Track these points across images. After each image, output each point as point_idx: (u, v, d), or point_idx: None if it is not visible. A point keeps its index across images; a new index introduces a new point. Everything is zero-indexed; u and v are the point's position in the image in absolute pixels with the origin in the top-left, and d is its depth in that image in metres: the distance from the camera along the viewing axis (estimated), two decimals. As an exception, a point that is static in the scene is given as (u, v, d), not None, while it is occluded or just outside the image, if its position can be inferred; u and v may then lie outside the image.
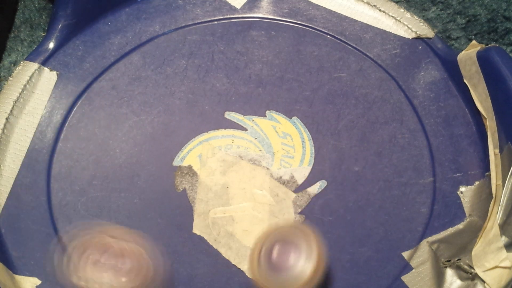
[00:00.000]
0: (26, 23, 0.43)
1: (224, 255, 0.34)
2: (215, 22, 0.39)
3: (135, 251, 0.26)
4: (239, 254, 0.34)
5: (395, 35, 0.39)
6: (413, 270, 0.34)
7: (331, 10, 0.40)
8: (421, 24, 0.39)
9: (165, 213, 0.34)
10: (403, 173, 0.36)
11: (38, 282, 0.32)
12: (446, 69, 0.38)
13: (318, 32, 0.39)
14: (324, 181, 0.36)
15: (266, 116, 0.37)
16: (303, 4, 0.40)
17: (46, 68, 0.36)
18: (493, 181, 0.34)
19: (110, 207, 0.34)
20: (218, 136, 0.37)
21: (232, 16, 0.40)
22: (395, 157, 0.37)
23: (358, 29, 0.39)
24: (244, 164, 0.36)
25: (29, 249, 0.33)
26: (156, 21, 0.39)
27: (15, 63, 0.41)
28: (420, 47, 0.39)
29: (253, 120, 0.37)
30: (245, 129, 0.37)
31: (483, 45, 0.36)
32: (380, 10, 0.40)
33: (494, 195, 0.33)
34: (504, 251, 0.31)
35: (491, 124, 0.35)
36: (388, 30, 0.39)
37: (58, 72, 0.37)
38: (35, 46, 0.38)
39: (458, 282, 0.33)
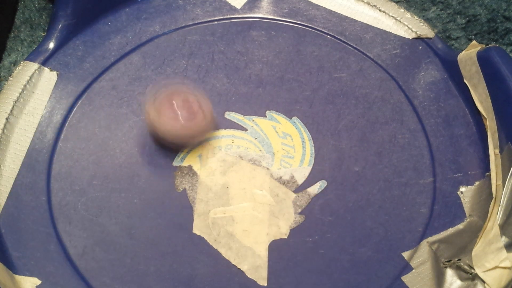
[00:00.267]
0: (26, 23, 0.43)
1: (224, 255, 0.34)
2: (215, 22, 0.39)
3: (198, 99, 0.33)
4: (239, 254, 0.34)
5: (395, 35, 0.39)
6: (413, 270, 0.34)
7: (331, 10, 0.40)
8: (421, 24, 0.39)
9: (165, 213, 0.34)
10: (403, 173, 0.36)
11: (38, 282, 0.32)
12: (446, 69, 0.38)
13: (318, 32, 0.39)
14: (324, 181, 0.36)
15: (266, 116, 0.37)
16: (303, 4, 0.40)
17: (46, 68, 0.36)
18: (493, 181, 0.34)
19: (110, 207, 0.34)
20: (218, 136, 0.37)
21: (232, 16, 0.40)
22: (395, 157, 0.36)
23: (358, 29, 0.39)
24: (244, 164, 0.36)
25: (29, 249, 0.33)
26: (156, 21, 0.39)
27: (15, 63, 0.41)
28: (420, 47, 0.39)
29: (253, 120, 0.37)
30: (245, 129, 0.37)
31: (483, 45, 0.36)
32: (380, 10, 0.40)
33: (494, 195, 0.33)
34: (504, 251, 0.31)
35: (491, 124, 0.35)
36: (388, 30, 0.39)
37: (58, 72, 0.37)
38: (35, 46, 0.38)
39: (458, 282, 0.33)
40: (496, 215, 0.32)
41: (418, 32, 0.39)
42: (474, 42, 0.37)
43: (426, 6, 0.43)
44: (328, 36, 0.39)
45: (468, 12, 0.43)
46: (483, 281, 0.31)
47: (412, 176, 0.36)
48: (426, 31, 0.39)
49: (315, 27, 0.39)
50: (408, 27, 0.39)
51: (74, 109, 0.36)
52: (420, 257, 0.34)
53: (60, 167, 0.35)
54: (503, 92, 0.34)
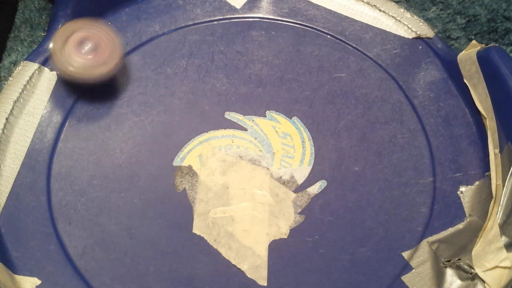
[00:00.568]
0: (26, 23, 0.43)
1: (224, 255, 0.34)
2: (215, 22, 0.39)
3: (102, 36, 0.34)
4: (239, 254, 0.34)
5: (395, 35, 0.39)
6: (413, 270, 0.34)
7: (331, 10, 0.40)
8: (421, 24, 0.39)
9: (165, 213, 0.34)
10: (403, 173, 0.36)
11: (38, 282, 0.32)
12: (446, 69, 0.38)
13: (318, 32, 0.39)
14: (324, 181, 0.36)
15: (266, 116, 0.37)
16: (303, 4, 0.40)
17: (46, 68, 0.36)
18: (493, 181, 0.34)
19: (110, 207, 0.34)
20: (218, 136, 0.37)
21: (232, 16, 0.40)
22: (395, 157, 0.36)
23: (358, 29, 0.39)
24: (244, 164, 0.36)
25: (29, 249, 0.33)
26: (156, 21, 0.39)
27: (15, 63, 0.41)
28: (420, 47, 0.39)
29: (253, 120, 0.37)
30: (245, 129, 0.37)
31: (483, 45, 0.36)
32: (380, 10, 0.40)
33: (494, 195, 0.33)
34: (504, 251, 0.31)
35: (491, 124, 0.35)
36: (388, 30, 0.39)
37: (58, 72, 0.37)
38: (35, 46, 0.38)
39: (458, 282, 0.33)
40: (496, 215, 0.32)
41: (418, 32, 0.39)
42: (474, 42, 0.37)
43: (426, 6, 0.44)
44: (328, 36, 0.39)
45: (468, 12, 0.43)
46: (483, 281, 0.31)
47: (412, 176, 0.36)
48: (426, 31, 0.39)
49: (315, 27, 0.39)
50: (408, 27, 0.39)
51: (74, 109, 0.36)
52: (420, 257, 0.34)
53: (60, 167, 0.35)
54: (503, 92, 0.34)
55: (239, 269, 0.34)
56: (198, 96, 0.37)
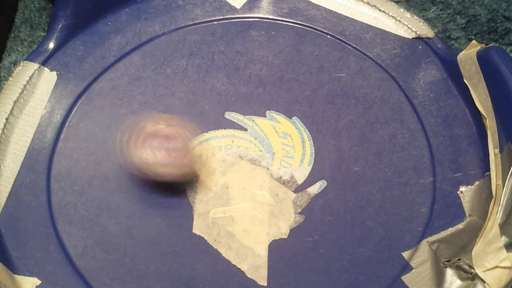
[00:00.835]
0: (26, 23, 0.43)
1: (224, 255, 0.34)
2: (215, 22, 0.39)
3: (180, 132, 0.32)
4: (239, 254, 0.34)
5: (395, 35, 0.39)
6: (413, 270, 0.34)
7: (331, 10, 0.40)
8: (421, 24, 0.39)
9: (165, 213, 0.34)
10: (403, 173, 0.36)
11: (38, 282, 0.32)
12: (446, 69, 0.38)
13: (318, 32, 0.39)
14: (324, 181, 0.36)
15: (266, 116, 0.37)
16: (303, 4, 0.40)
17: (46, 68, 0.36)
18: (493, 181, 0.34)
19: (110, 207, 0.34)
20: (218, 136, 0.37)
21: (232, 16, 0.40)
22: (395, 157, 0.36)
23: (358, 29, 0.39)
24: (244, 164, 0.36)
25: (29, 249, 0.33)
26: (156, 21, 0.39)
27: (15, 63, 0.41)
28: (420, 47, 0.39)
29: (253, 120, 0.37)
30: (245, 129, 0.37)
31: (483, 45, 0.36)
32: (380, 10, 0.40)
33: (494, 195, 0.33)
34: (504, 251, 0.31)
35: (491, 124, 0.35)
36: (388, 30, 0.39)
37: (58, 72, 0.37)
38: (35, 46, 0.38)
39: (458, 282, 0.33)
40: (496, 215, 0.32)
41: (418, 32, 0.39)
42: (474, 42, 0.37)
43: (426, 6, 0.43)
44: (328, 36, 0.39)
45: (468, 12, 0.43)
46: (483, 281, 0.31)
47: (412, 176, 0.36)
48: (426, 31, 0.39)
49: (315, 27, 0.39)
50: (408, 27, 0.39)
51: (74, 109, 0.36)
52: (420, 257, 0.34)
53: (60, 167, 0.35)
54: (503, 92, 0.34)
55: (239, 269, 0.34)
56: (198, 96, 0.37)
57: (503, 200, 0.32)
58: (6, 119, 0.35)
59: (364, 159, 0.36)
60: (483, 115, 0.36)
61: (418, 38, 0.39)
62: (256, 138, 0.37)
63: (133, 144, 0.32)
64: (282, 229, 0.35)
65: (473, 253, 0.32)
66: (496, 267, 0.31)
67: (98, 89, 0.37)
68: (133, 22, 0.39)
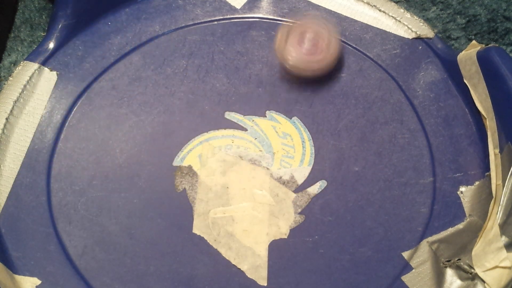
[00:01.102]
0: (26, 23, 0.43)
1: (224, 255, 0.34)
2: (215, 22, 0.39)
3: (323, 31, 0.36)
4: (239, 254, 0.34)
5: (395, 35, 0.39)
6: (413, 270, 0.34)
7: (331, 10, 0.40)
8: (421, 24, 0.39)
9: (165, 213, 0.34)
10: (403, 173, 0.36)
11: (38, 282, 0.32)
12: (446, 69, 0.38)
13: (318, 32, 0.39)
14: (324, 181, 0.36)
15: (266, 116, 0.37)
16: (303, 4, 0.40)
17: (46, 68, 0.37)
18: (493, 181, 0.34)
19: (110, 207, 0.34)
20: (218, 136, 0.37)
21: (232, 16, 0.40)
22: (395, 157, 0.36)
23: (358, 29, 0.39)
24: (244, 164, 0.36)
25: (29, 249, 0.33)
26: (156, 21, 0.39)
27: (15, 63, 0.41)
28: (420, 47, 0.39)
29: (253, 120, 0.37)
30: (245, 129, 0.37)
31: (483, 45, 0.36)
32: (380, 10, 0.40)
33: (494, 195, 0.33)
34: (504, 251, 0.31)
35: (491, 124, 0.35)
36: (388, 30, 0.39)
37: (58, 72, 0.37)
38: (35, 46, 0.38)
39: (458, 282, 0.33)
40: (496, 215, 0.32)
41: (418, 32, 0.39)
42: (474, 42, 0.37)
43: (426, 6, 0.43)
44: (328, 36, 0.39)
45: (468, 12, 0.43)
46: (483, 281, 0.31)
47: (412, 176, 0.36)
48: (426, 31, 0.39)
49: (315, 27, 0.39)
50: (408, 27, 0.39)
51: (74, 109, 0.36)
52: (420, 257, 0.34)
53: (60, 167, 0.35)
54: (503, 92, 0.34)
55: (239, 269, 0.34)
56: (198, 96, 0.37)
57: (503, 200, 0.32)
58: (6, 119, 0.35)
59: (364, 159, 0.36)
60: (483, 115, 0.36)
61: (418, 38, 0.39)
62: (256, 138, 0.37)
63: (287, 49, 0.36)
64: (282, 229, 0.35)
65: (473, 253, 0.32)
66: (496, 267, 0.31)
67: (98, 89, 0.37)
68: (133, 22, 0.39)
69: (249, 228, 0.34)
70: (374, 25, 0.39)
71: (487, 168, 0.35)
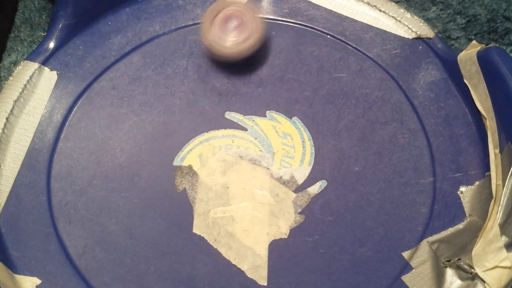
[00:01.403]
0: (26, 23, 0.43)
1: (224, 255, 0.34)
2: (215, 22, 0.39)
3: (245, 13, 0.36)
4: (239, 254, 0.34)
5: (395, 35, 0.39)
6: (413, 270, 0.34)
7: (331, 10, 0.40)
8: (421, 24, 0.39)
9: (165, 213, 0.34)
10: (403, 173, 0.36)
11: (38, 281, 0.32)
12: (446, 69, 0.38)
13: (318, 32, 0.39)
14: (324, 181, 0.36)
15: (266, 116, 0.37)
16: (303, 4, 0.40)
17: (46, 68, 0.37)
18: (493, 181, 0.34)
19: (110, 207, 0.34)
20: (218, 136, 0.37)
21: (232, 16, 0.39)
22: (395, 157, 0.37)
23: (358, 29, 0.39)
24: (244, 164, 0.36)
25: (29, 249, 0.33)
26: (156, 21, 0.39)
27: (15, 63, 0.41)
28: (420, 47, 0.39)
29: (253, 120, 0.37)
30: (245, 129, 0.37)
31: (483, 45, 0.36)
32: (380, 10, 0.40)
33: (494, 195, 0.33)
34: (504, 251, 0.31)
35: (491, 124, 0.35)
36: (388, 30, 0.39)
37: (58, 72, 0.37)
38: (35, 46, 0.38)
39: (458, 282, 0.33)
40: (496, 215, 0.32)
41: (418, 32, 0.39)
42: (474, 42, 0.37)
43: (426, 6, 0.44)
44: (328, 36, 0.39)
45: (468, 12, 0.43)
46: (483, 281, 0.31)
47: (412, 176, 0.36)
48: (426, 31, 0.39)
49: (315, 27, 0.39)
50: (408, 27, 0.39)
51: (74, 109, 0.36)
52: (420, 257, 0.34)
53: (60, 166, 0.35)
54: (503, 92, 0.34)
55: (239, 269, 0.34)
56: (198, 96, 0.37)
57: (503, 200, 0.32)
58: (7, 118, 0.35)
59: (364, 159, 0.36)
60: (483, 115, 0.36)
61: (418, 38, 0.39)
62: (256, 138, 0.37)
63: (213, 34, 0.36)
64: (282, 229, 0.35)
65: (473, 253, 0.32)
66: (496, 267, 0.31)
67: (98, 88, 0.37)
68: (134, 22, 0.39)
69: (249, 228, 0.34)
70: (374, 25, 0.39)
71: (487, 168, 0.35)
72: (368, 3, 0.40)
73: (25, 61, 0.36)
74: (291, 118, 0.37)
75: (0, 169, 0.34)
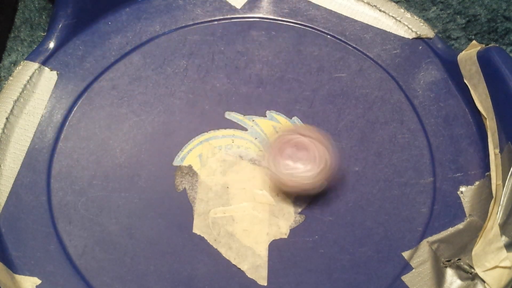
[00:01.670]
0: (26, 23, 0.43)
1: (224, 255, 0.34)
2: (216, 22, 0.39)
3: (318, 145, 0.33)
4: (239, 254, 0.34)
5: (395, 35, 0.39)
6: (413, 270, 0.34)
7: (331, 10, 0.40)
8: (421, 24, 0.39)
9: (165, 213, 0.34)
10: (403, 173, 0.36)
11: (38, 281, 0.32)
12: (446, 69, 0.38)
13: (319, 32, 0.39)
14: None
15: (266, 116, 0.37)
16: (303, 4, 0.40)
17: (46, 68, 0.37)
18: (493, 181, 0.34)
19: (110, 207, 0.34)
20: (219, 136, 0.37)
21: (232, 16, 0.40)
22: (395, 157, 0.37)
23: (358, 29, 0.39)
24: (244, 164, 0.36)
25: (29, 249, 0.33)
26: (156, 21, 0.39)
27: (15, 63, 0.41)
28: (420, 47, 0.39)
29: (253, 120, 0.37)
30: (245, 129, 0.37)
31: (483, 45, 0.36)
32: (380, 10, 0.40)
33: (494, 195, 0.33)
34: (504, 251, 0.31)
35: (491, 124, 0.35)
36: (388, 30, 0.39)
37: (58, 72, 0.37)
38: (35, 46, 0.38)
39: (458, 282, 0.33)
40: (496, 215, 0.32)
41: (418, 32, 0.39)
42: (474, 42, 0.37)
43: (426, 6, 0.44)
44: (328, 36, 0.39)
45: (468, 12, 0.43)
46: (483, 281, 0.31)
47: (412, 176, 0.36)
48: (426, 31, 0.39)
49: (315, 27, 0.39)
50: (408, 27, 0.39)
51: (74, 109, 0.36)
52: (420, 257, 0.34)
53: (60, 166, 0.35)
54: (503, 92, 0.34)
55: (239, 269, 0.34)
56: (198, 96, 0.37)
57: (503, 200, 0.32)
58: (7, 118, 0.35)
59: (364, 159, 0.36)
60: (483, 115, 0.36)
61: (418, 38, 0.39)
62: (256, 138, 0.37)
63: (277, 158, 0.33)
64: (282, 229, 0.35)
65: (473, 253, 0.32)
66: (496, 267, 0.31)
67: (98, 88, 0.37)
68: (134, 22, 0.39)
69: (249, 228, 0.34)
70: (374, 25, 0.39)
71: (487, 168, 0.35)
72: (368, 3, 0.40)
73: (25, 61, 0.36)
74: (291, 118, 0.37)
75: (0, 169, 0.34)
